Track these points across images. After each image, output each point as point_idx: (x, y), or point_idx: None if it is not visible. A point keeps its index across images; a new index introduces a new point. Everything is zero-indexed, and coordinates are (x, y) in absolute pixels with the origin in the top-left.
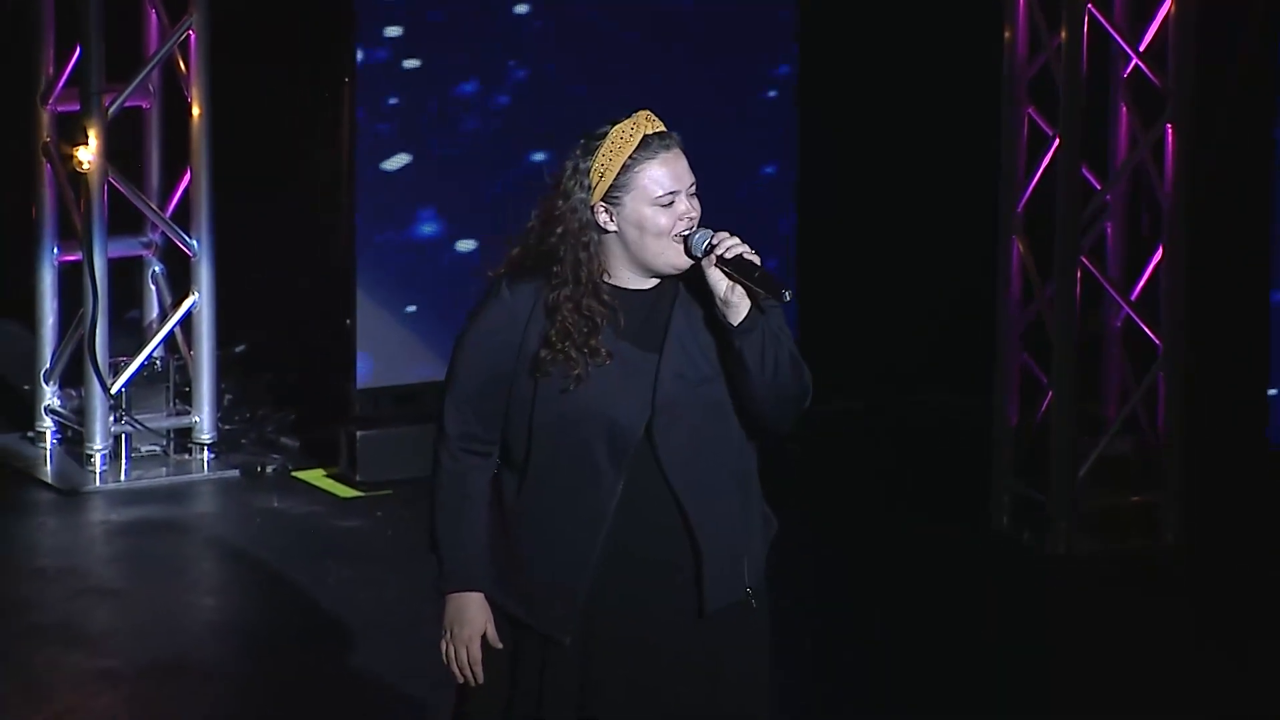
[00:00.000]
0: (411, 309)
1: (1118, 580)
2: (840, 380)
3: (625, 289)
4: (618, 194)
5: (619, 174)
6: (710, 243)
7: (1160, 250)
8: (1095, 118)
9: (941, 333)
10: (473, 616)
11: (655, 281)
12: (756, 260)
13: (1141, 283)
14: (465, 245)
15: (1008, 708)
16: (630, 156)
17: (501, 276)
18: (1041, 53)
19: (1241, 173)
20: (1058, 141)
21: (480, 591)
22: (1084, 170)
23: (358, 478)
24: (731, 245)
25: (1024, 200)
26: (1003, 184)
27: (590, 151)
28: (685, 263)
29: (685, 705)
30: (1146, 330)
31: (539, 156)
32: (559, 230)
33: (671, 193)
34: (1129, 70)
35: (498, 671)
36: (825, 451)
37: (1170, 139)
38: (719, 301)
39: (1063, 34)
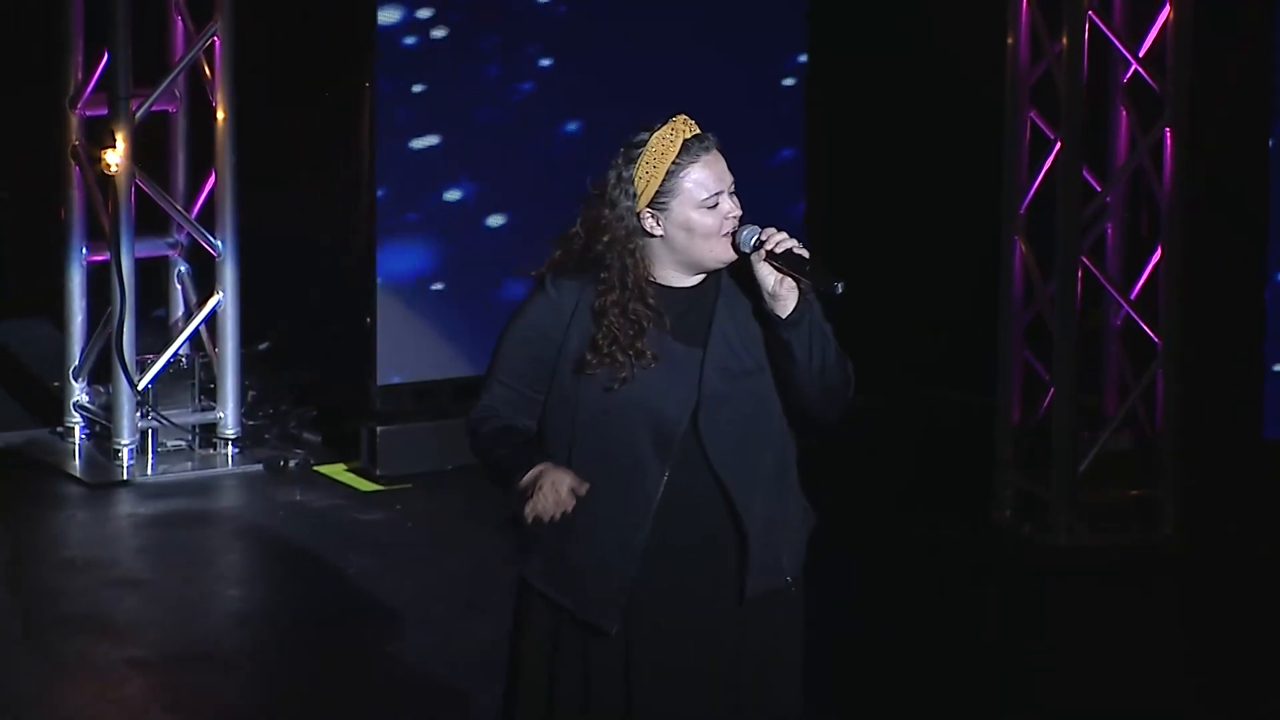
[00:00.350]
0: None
1: (1116, 572)
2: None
3: (671, 287)
4: (663, 199)
5: (663, 180)
6: (759, 238)
7: (1159, 250)
8: (1095, 121)
9: (945, 330)
10: (551, 468)
11: (699, 278)
12: (806, 254)
13: (1140, 282)
14: (495, 220)
15: (1008, 695)
16: (673, 162)
17: (545, 274)
18: (1043, 58)
19: (1237, 174)
20: (1059, 144)
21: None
22: (1084, 172)
23: (378, 472)
24: (781, 240)
25: (1026, 201)
26: (1005, 185)
27: (632, 160)
28: (732, 258)
29: (726, 689)
30: (1145, 328)
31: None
32: (605, 238)
33: (715, 194)
34: (1128, 75)
35: (542, 661)
36: (830, 446)
37: (1168, 142)
38: (766, 295)
39: (1064, 40)
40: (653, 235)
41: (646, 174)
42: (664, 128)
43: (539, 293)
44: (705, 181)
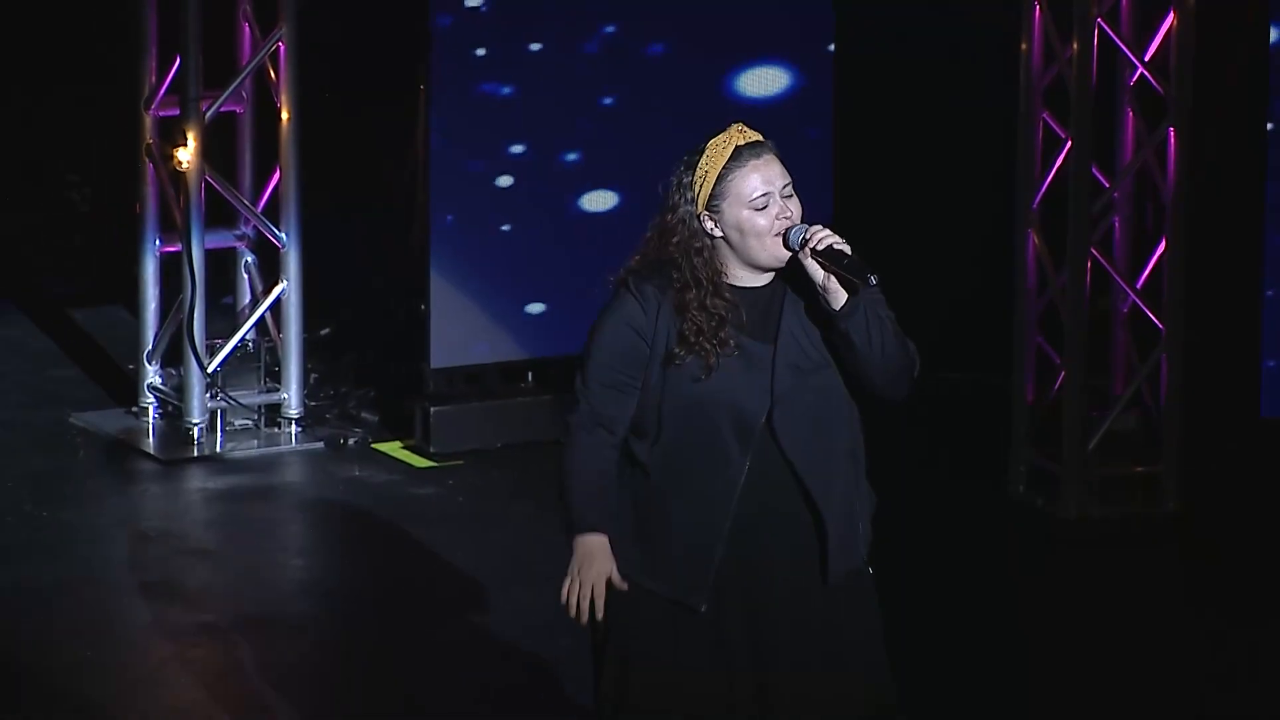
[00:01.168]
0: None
1: (1122, 542)
2: None
3: (742, 287)
4: (717, 202)
5: (715, 184)
6: (804, 236)
7: (1163, 242)
8: (1104, 122)
9: (965, 317)
10: (596, 556)
11: (769, 278)
12: (846, 249)
13: (1146, 272)
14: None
15: (1019, 656)
16: (724, 167)
17: (626, 278)
18: (1055, 63)
19: (1236, 172)
20: (1070, 143)
21: (606, 536)
22: (1093, 170)
23: (432, 449)
24: (823, 236)
25: (1039, 197)
26: (1020, 182)
27: (691, 166)
28: (785, 256)
29: (812, 666)
30: (1150, 315)
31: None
32: (674, 240)
33: (765, 194)
34: (1135, 79)
35: (638, 644)
36: (861, 421)
37: (1172, 141)
38: (819, 290)
39: (1074, 46)
40: (713, 236)
41: (702, 178)
42: (720, 135)
43: (624, 294)
44: (755, 184)
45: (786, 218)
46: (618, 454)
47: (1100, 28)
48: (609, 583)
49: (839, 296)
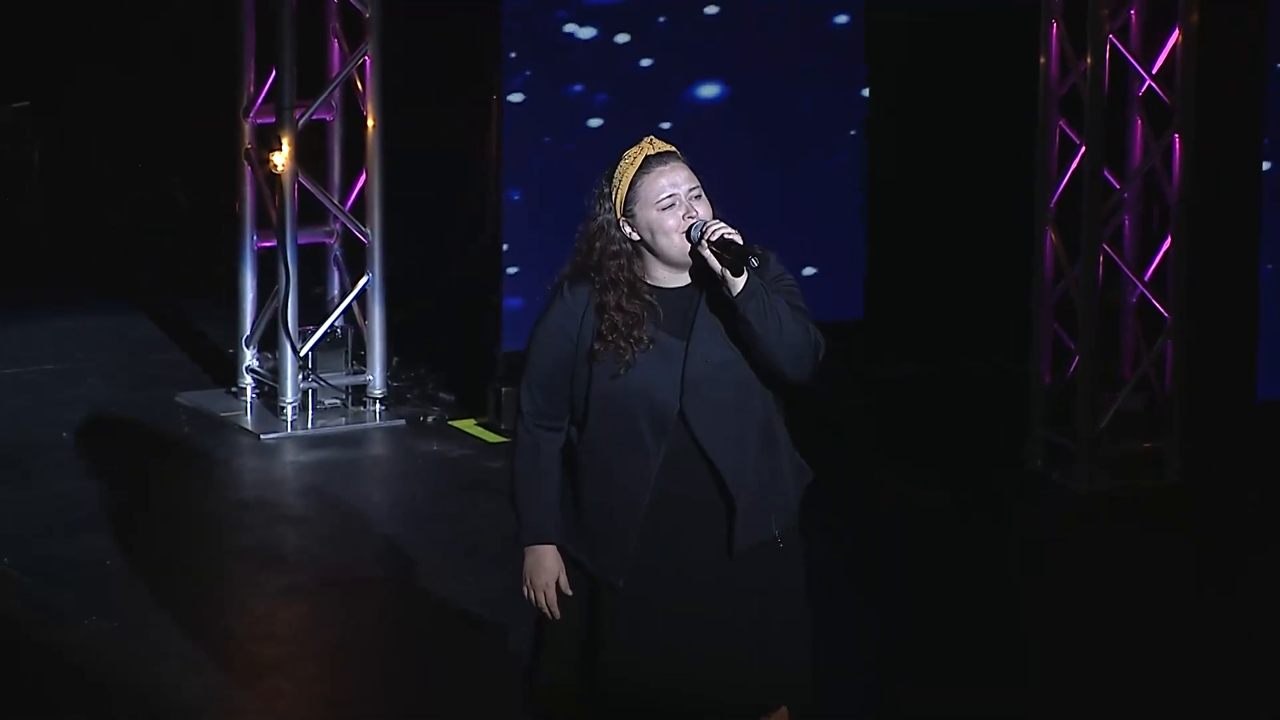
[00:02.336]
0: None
1: (1130, 512)
2: (903, 347)
3: (661, 287)
4: (631, 207)
5: (629, 190)
6: (701, 230)
7: (1168, 239)
8: (1114, 129)
9: (987, 306)
10: (548, 566)
11: (687, 280)
12: (737, 238)
13: (1153, 266)
14: None
15: (1036, 614)
16: (634, 176)
17: (561, 283)
18: (1070, 75)
19: (1235, 175)
20: (1083, 148)
21: (553, 544)
22: (1105, 173)
23: (503, 426)
24: (716, 229)
25: (1055, 197)
26: (1038, 183)
27: (610, 177)
28: (688, 248)
29: (727, 635)
30: (1157, 305)
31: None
32: (596, 245)
33: (671, 195)
34: (1143, 89)
35: (572, 609)
36: (890, 404)
37: (1177, 146)
38: (720, 279)
39: (1088, 59)
40: (631, 239)
41: (617, 186)
42: (633, 148)
43: (556, 300)
44: (662, 186)
45: (692, 217)
46: (560, 443)
47: (1111, 43)
48: (558, 586)
49: (737, 284)
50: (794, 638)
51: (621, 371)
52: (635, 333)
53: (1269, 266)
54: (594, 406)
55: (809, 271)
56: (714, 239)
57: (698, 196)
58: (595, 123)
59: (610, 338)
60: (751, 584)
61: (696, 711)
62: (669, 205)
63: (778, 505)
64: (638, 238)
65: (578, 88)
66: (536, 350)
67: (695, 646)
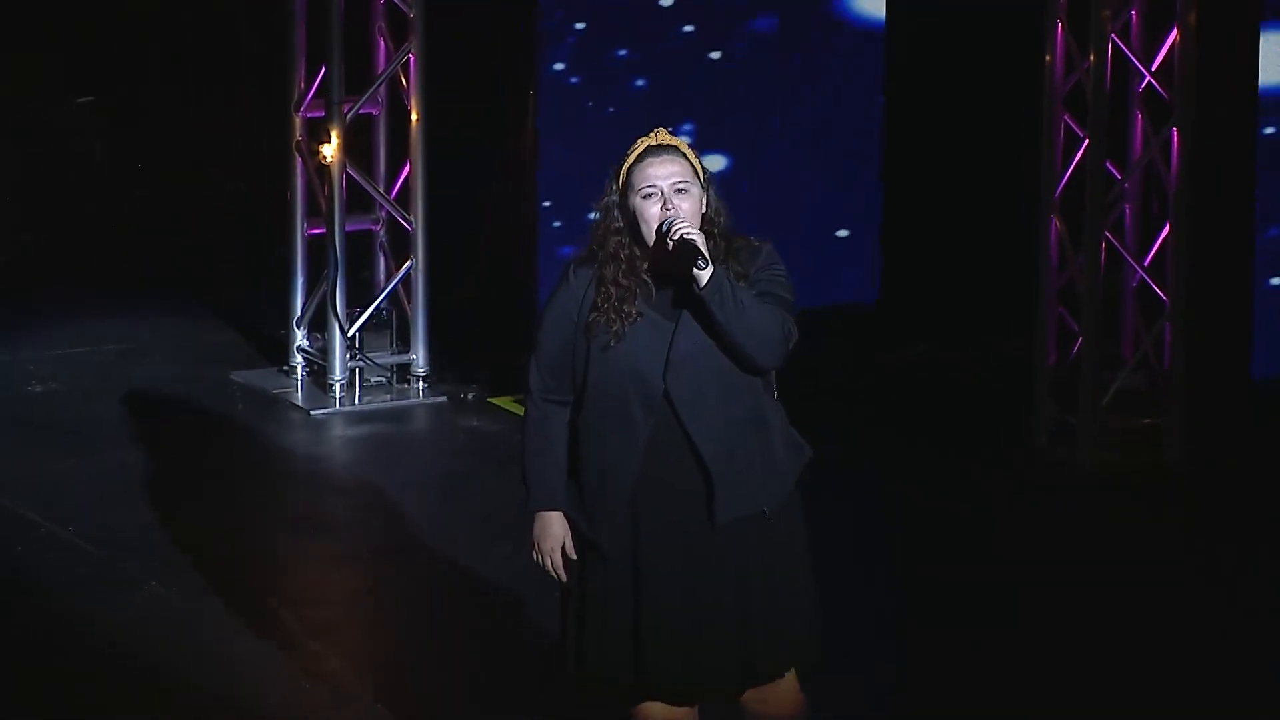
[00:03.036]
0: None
1: (1131, 486)
2: (917, 329)
3: (659, 273)
4: (627, 191)
5: (626, 177)
6: (669, 226)
7: (1167, 227)
8: (1116, 123)
9: (995, 291)
10: (554, 531)
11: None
12: (697, 239)
13: (1152, 252)
14: None
15: (1040, 579)
16: (632, 164)
17: (569, 267)
18: (1074, 72)
19: (1231, 167)
20: (1087, 142)
21: (559, 511)
22: (1107, 165)
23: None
24: (679, 228)
25: (1060, 187)
26: (1044, 175)
27: (619, 162)
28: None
29: (720, 604)
30: (1156, 289)
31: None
32: (604, 223)
33: (652, 186)
34: (1143, 86)
35: (573, 578)
36: (905, 382)
37: (1175, 140)
38: (686, 271)
39: (1091, 57)
40: (628, 221)
41: (620, 172)
42: (643, 137)
43: (562, 283)
44: (647, 176)
45: (669, 210)
46: (566, 417)
47: (1113, 42)
48: (564, 551)
49: (701, 278)
50: (794, 605)
51: (612, 344)
52: (626, 307)
53: (1264, 257)
54: (590, 382)
55: (842, 233)
56: (675, 237)
57: (681, 191)
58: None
59: (603, 307)
60: (742, 556)
61: (700, 678)
62: (649, 195)
63: (767, 482)
64: (629, 221)
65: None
66: (543, 330)
67: (690, 615)
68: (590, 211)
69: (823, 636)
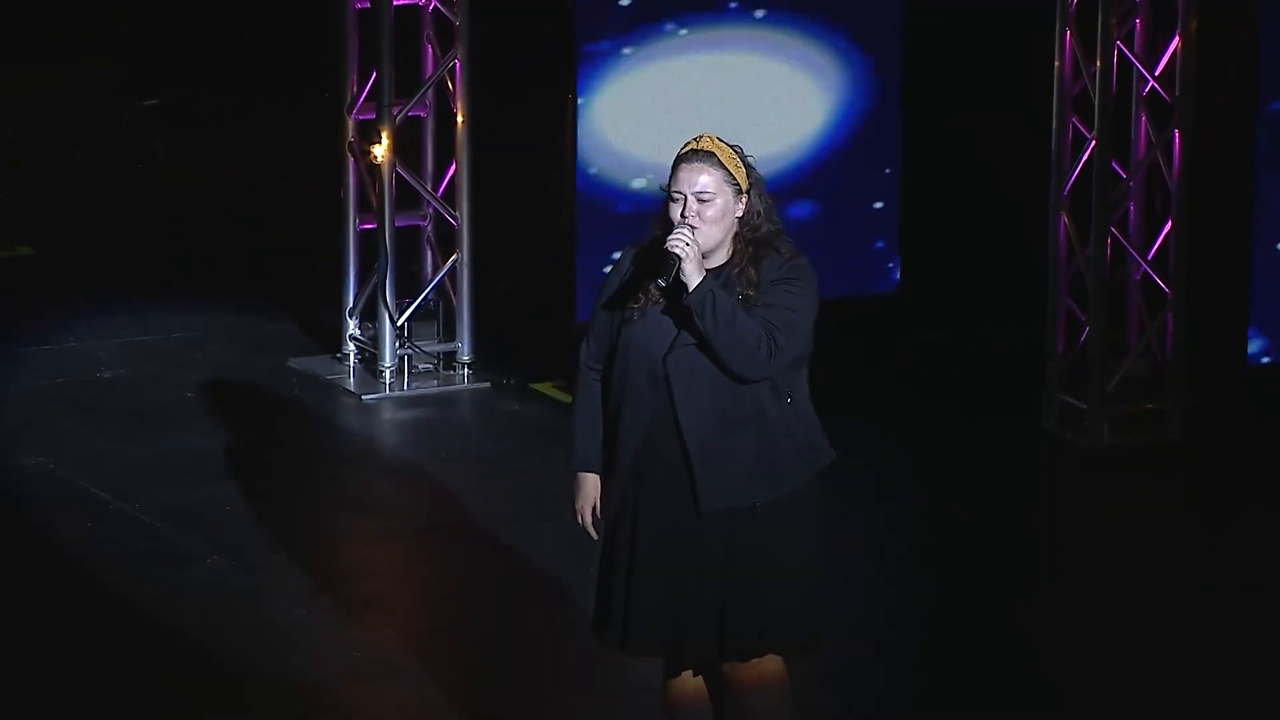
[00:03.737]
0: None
1: (1136, 466)
2: (933, 317)
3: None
4: (668, 189)
5: (670, 174)
6: (672, 236)
7: (1169, 223)
8: (1121, 124)
9: (1008, 282)
10: (585, 491)
11: (715, 263)
12: (676, 253)
13: (1155, 247)
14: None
15: (1048, 554)
16: (675, 163)
17: (628, 249)
18: (1082, 77)
19: (1230, 167)
20: (1094, 142)
21: (594, 472)
22: (1113, 164)
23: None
24: (672, 241)
25: (1069, 185)
26: (1053, 173)
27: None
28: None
29: (699, 582)
30: (1159, 281)
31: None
32: (657, 212)
33: (678, 192)
34: (1147, 89)
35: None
36: (920, 367)
37: (1177, 141)
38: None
39: (1098, 63)
40: (664, 214)
41: (671, 170)
42: (692, 139)
43: (616, 265)
44: (676, 180)
45: (687, 216)
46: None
47: (1118, 48)
48: (594, 511)
49: (691, 282)
50: (780, 597)
51: (635, 318)
52: (645, 282)
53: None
54: (615, 354)
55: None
56: (666, 246)
57: (706, 201)
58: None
59: (631, 279)
60: (729, 545)
61: (679, 640)
62: (674, 198)
63: (762, 479)
64: (664, 216)
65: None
66: (596, 305)
67: (673, 586)
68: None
69: (819, 627)
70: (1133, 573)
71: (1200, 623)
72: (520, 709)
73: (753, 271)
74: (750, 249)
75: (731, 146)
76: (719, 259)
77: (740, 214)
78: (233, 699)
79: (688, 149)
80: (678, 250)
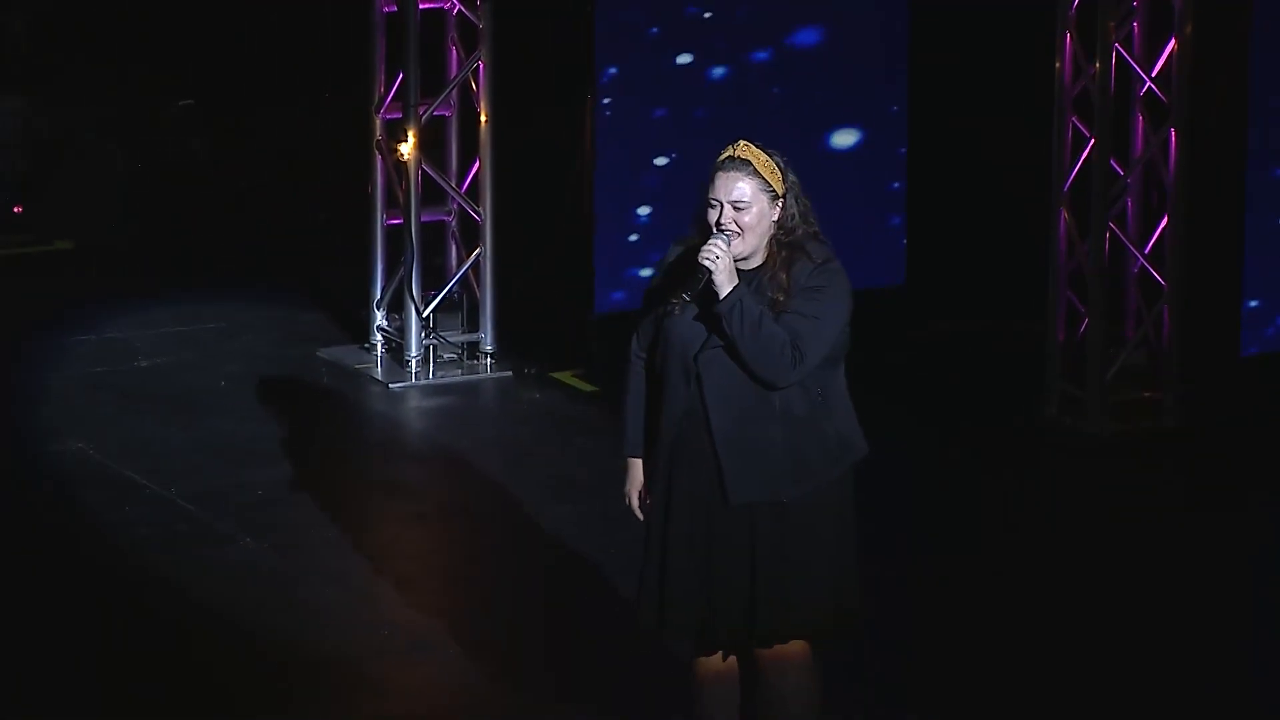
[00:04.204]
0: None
1: (1133, 451)
2: (939, 310)
3: (737, 264)
4: (705, 195)
5: (710, 180)
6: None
7: (1165, 218)
8: (1119, 124)
9: (1010, 275)
10: (633, 476)
11: (751, 265)
12: (707, 264)
13: (1152, 241)
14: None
15: (1050, 537)
16: (714, 170)
17: (675, 244)
18: (1082, 78)
19: (1223, 165)
20: (1093, 141)
21: (640, 459)
22: (1111, 161)
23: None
24: (704, 251)
25: (1069, 182)
26: (1054, 171)
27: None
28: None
29: (727, 572)
30: (1155, 275)
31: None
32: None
33: (715, 199)
34: (1144, 90)
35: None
36: (925, 358)
37: (1173, 140)
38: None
39: (1097, 65)
40: (703, 216)
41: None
42: (729, 145)
43: (665, 255)
44: (714, 188)
45: (720, 224)
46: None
47: (1117, 50)
48: (641, 495)
49: (723, 291)
50: (806, 587)
51: (675, 313)
52: (677, 288)
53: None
54: (658, 346)
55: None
56: (698, 257)
57: (742, 209)
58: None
59: (672, 274)
60: (757, 536)
61: (724, 634)
62: (712, 204)
63: (789, 474)
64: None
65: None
66: (644, 298)
67: (712, 578)
68: (642, 206)
69: (849, 616)
70: (1130, 549)
71: (1194, 597)
72: (547, 683)
73: (784, 276)
74: (784, 252)
75: (767, 152)
76: (755, 261)
77: (776, 218)
78: (268, 676)
79: (724, 156)
80: (708, 263)
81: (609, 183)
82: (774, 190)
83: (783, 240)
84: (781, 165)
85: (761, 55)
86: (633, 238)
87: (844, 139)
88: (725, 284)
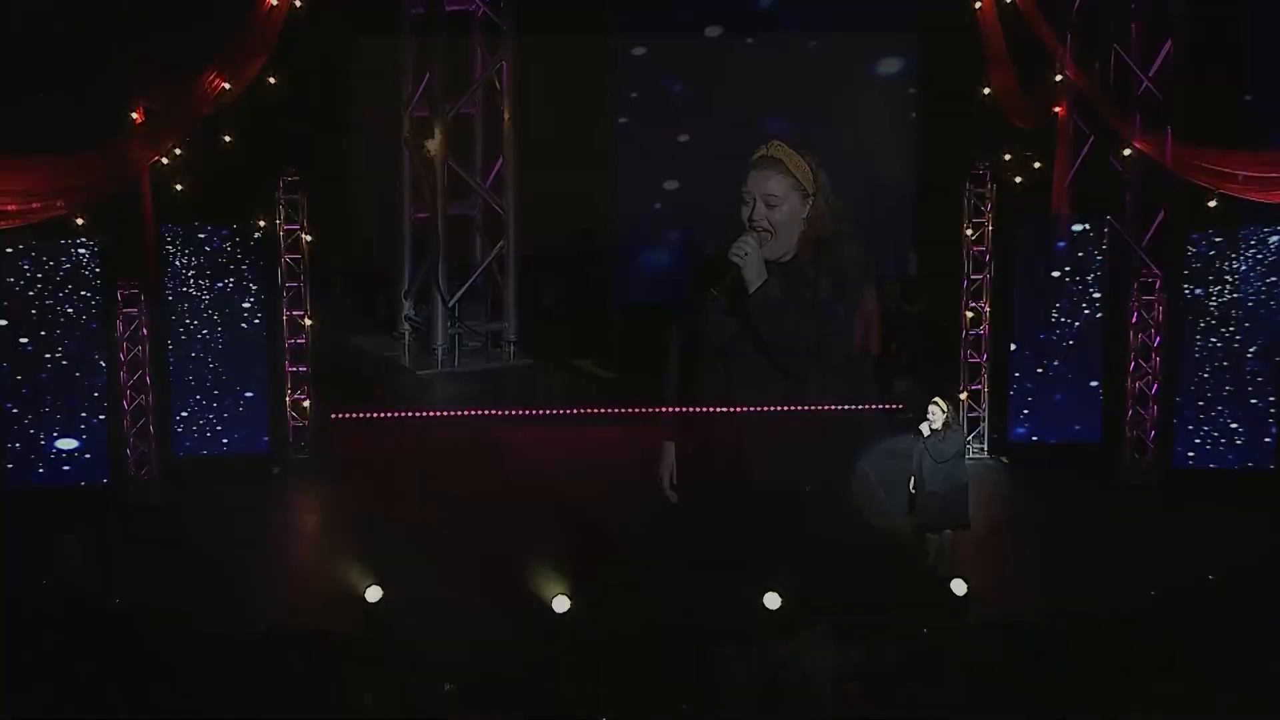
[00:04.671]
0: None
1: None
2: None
3: (768, 260)
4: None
5: (746, 178)
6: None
7: (1162, 212)
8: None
9: None
10: (666, 459)
11: (784, 260)
12: (735, 260)
13: (1149, 234)
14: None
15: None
16: (750, 168)
17: (716, 243)
18: (1082, 77)
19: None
20: (1093, 138)
21: (674, 442)
22: (1109, 157)
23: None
24: (735, 246)
25: (1069, 178)
26: (1056, 164)
27: None
28: None
29: (759, 551)
30: (1150, 265)
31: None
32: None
33: (750, 195)
34: (1141, 89)
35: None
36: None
37: (1169, 136)
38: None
39: (1096, 65)
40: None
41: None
42: (763, 145)
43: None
44: (748, 185)
45: (752, 220)
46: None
47: (1116, 51)
48: (672, 477)
49: (751, 286)
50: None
51: (709, 302)
52: (708, 284)
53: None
54: (697, 333)
55: None
56: (729, 252)
57: (773, 205)
58: None
59: (711, 264)
60: (782, 521)
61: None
62: (746, 201)
63: (811, 464)
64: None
65: None
66: (687, 289)
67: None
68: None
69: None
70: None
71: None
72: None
73: (811, 272)
74: (813, 249)
75: (799, 152)
76: (786, 256)
77: (806, 215)
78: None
79: (758, 155)
80: (737, 259)
81: (628, 178)
82: (805, 189)
83: (812, 237)
84: (813, 166)
85: None
86: (650, 236)
87: None
88: (755, 279)
